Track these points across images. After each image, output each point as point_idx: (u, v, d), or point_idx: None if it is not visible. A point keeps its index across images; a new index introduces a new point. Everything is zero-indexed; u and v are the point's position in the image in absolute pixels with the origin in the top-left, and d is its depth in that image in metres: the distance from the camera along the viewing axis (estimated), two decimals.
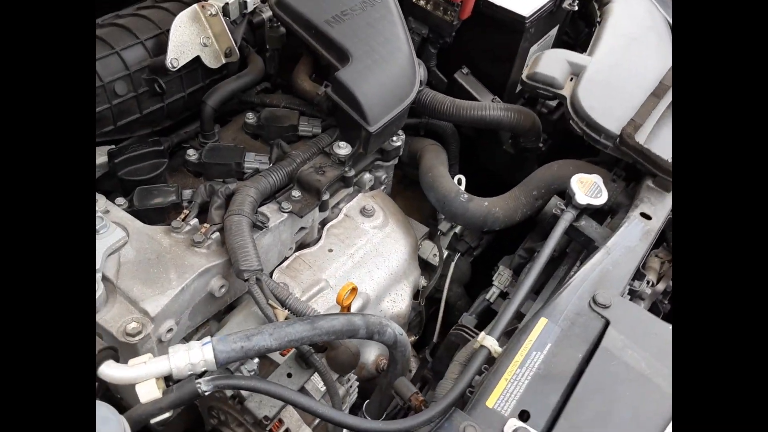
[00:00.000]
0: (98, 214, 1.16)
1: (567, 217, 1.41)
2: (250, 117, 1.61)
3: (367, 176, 1.73)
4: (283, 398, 1.01)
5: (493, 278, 1.75)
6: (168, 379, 0.97)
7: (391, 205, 1.81)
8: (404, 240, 1.73)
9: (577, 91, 1.64)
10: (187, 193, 1.38)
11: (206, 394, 0.96)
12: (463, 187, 1.82)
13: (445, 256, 1.88)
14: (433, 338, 1.93)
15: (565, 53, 1.77)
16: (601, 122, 1.56)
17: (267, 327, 1.01)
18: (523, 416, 0.99)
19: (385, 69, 1.52)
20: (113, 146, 1.41)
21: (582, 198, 1.42)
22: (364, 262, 1.62)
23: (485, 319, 1.70)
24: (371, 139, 1.48)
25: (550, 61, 1.75)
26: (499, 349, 1.12)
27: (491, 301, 1.71)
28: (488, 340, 1.13)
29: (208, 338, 0.97)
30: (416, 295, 1.78)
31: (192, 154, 1.49)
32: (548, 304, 1.17)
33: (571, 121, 1.62)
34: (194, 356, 0.95)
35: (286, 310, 1.20)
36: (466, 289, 2.07)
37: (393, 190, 1.93)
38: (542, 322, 1.13)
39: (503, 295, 1.72)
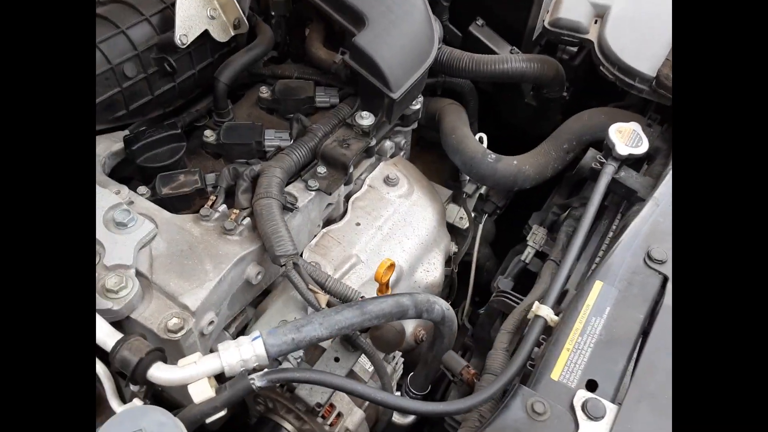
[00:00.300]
0: (123, 206, 1.11)
1: (609, 171, 1.35)
2: (264, 91, 1.53)
3: (387, 144, 1.66)
4: (340, 387, 0.97)
5: (527, 238, 1.70)
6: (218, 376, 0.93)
7: (414, 171, 1.74)
8: (431, 206, 1.67)
9: (605, 33, 1.56)
10: (210, 177, 1.32)
11: (260, 389, 0.92)
12: (485, 145, 1.75)
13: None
14: (464, 301, 1.89)
15: None
16: (634, 65, 1.48)
17: (316, 316, 0.96)
18: (591, 386, 0.95)
19: (403, 29, 1.42)
20: (128, 131, 1.35)
21: (623, 149, 1.35)
22: (393, 233, 1.57)
23: (521, 281, 1.65)
24: (395, 106, 1.41)
25: (571, 5, 1.65)
26: (556, 318, 1.07)
27: (527, 261, 1.66)
28: (543, 310, 1.08)
29: (256, 332, 0.93)
30: (448, 261, 1.74)
31: (209, 135, 1.42)
32: (601, 265, 1.12)
33: (601, 68, 1.54)
34: (245, 352, 0.91)
35: (327, 294, 1.16)
36: (491, 247, 2.02)
37: (410, 153, 1.86)
38: (597, 285, 1.08)
39: (540, 255, 1.67)
